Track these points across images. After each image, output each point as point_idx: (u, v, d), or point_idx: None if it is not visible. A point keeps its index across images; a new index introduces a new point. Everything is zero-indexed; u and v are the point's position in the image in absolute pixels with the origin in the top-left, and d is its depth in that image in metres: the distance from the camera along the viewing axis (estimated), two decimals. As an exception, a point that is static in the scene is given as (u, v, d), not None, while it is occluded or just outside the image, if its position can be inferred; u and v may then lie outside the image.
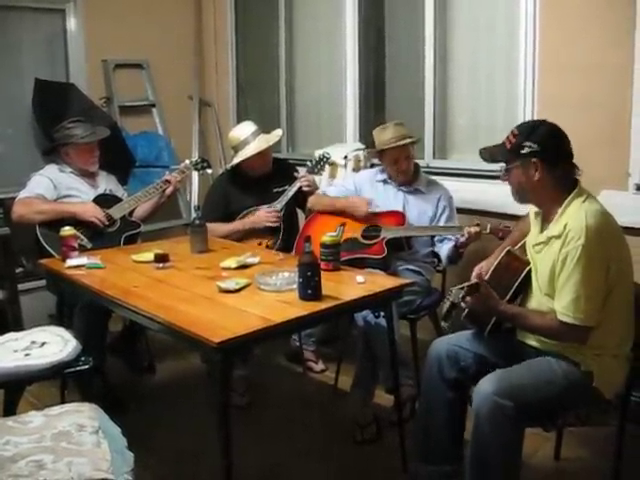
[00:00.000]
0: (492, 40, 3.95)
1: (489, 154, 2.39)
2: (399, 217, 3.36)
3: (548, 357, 2.26)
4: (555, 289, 2.20)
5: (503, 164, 2.33)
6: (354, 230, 3.44)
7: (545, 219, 2.33)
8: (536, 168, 2.20)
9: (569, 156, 2.24)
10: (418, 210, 3.42)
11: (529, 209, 2.53)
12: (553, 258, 2.20)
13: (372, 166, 4.07)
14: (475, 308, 2.30)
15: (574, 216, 2.17)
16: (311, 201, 3.69)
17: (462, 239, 3.10)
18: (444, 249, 3.32)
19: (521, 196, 2.33)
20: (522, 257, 2.42)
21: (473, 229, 3.04)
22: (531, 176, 2.22)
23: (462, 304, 2.29)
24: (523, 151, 2.21)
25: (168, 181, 3.78)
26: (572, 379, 2.18)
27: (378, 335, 2.98)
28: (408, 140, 3.36)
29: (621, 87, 3.22)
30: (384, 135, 3.38)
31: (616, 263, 2.16)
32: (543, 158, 2.20)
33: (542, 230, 2.34)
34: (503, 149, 2.29)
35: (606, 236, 2.14)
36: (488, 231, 3.00)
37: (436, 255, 3.44)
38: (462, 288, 2.27)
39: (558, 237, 2.19)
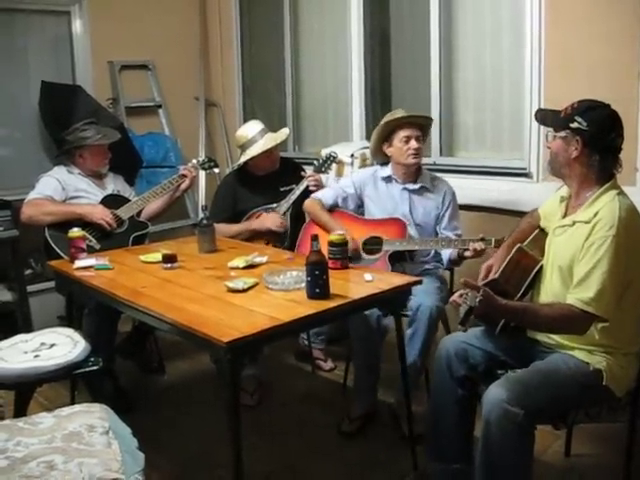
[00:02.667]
0: (498, 37, 3.94)
1: (542, 116, 2.43)
2: (399, 227, 3.25)
3: (557, 356, 2.25)
4: (573, 274, 2.18)
5: (550, 129, 2.34)
6: (354, 240, 3.31)
7: (571, 204, 2.32)
8: (576, 146, 2.20)
9: (614, 149, 2.22)
10: (424, 209, 3.34)
11: (542, 205, 2.54)
12: (577, 243, 2.17)
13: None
14: (480, 313, 2.20)
15: (607, 206, 2.15)
16: (306, 206, 3.56)
17: (467, 254, 3.01)
18: (446, 252, 3.24)
19: (554, 167, 2.33)
20: (532, 254, 2.42)
21: (478, 245, 2.96)
22: (570, 151, 2.22)
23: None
24: (572, 125, 2.21)
25: (184, 175, 3.79)
26: (582, 379, 2.16)
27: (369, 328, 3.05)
28: (425, 115, 3.35)
29: (628, 84, 3.20)
30: (394, 115, 3.32)
31: (636, 261, 2.15)
32: (585, 139, 2.19)
33: (566, 214, 2.33)
34: (557, 116, 2.30)
35: (634, 232, 2.13)
36: (493, 246, 2.89)
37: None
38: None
39: (587, 222, 2.17)
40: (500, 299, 2.16)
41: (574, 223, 2.24)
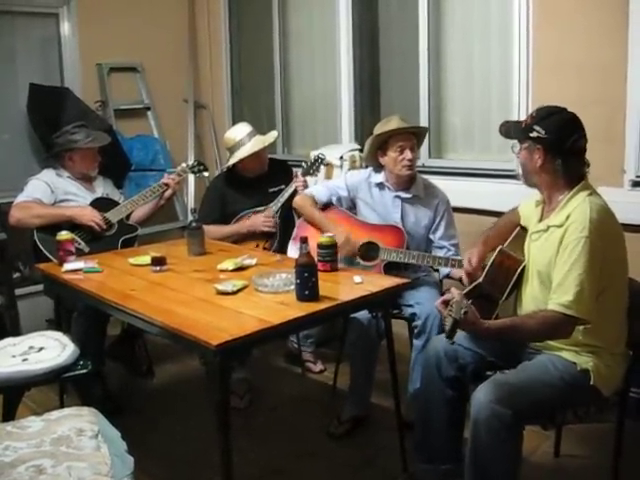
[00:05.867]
0: (486, 39, 3.95)
1: (506, 129, 2.43)
2: (398, 237, 3.21)
3: (544, 357, 2.26)
4: (551, 278, 2.20)
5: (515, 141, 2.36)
6: (353, 242, 3.27)
7: (546, 208, 2.34)
8: (539, 154, 2.24)
9: (577, 151, 2.24)
10: (415, 218, 3.30)
11: (520, 204, 2.56)
12: (553, 247, 2.20)
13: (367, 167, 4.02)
14: (465, 327, 2.17)
15: (578, 208, 2.17)
16: (297, 202, 3.53)
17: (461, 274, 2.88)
18: (444, 268, 3.21)
19: (525, 177, 2.36)
20: (515, 255, 2.43)
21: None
22: (534, 160, 2.26)
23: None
24: (531, 134, 2.24)
25: (167, 184, 3.79)
26: (569, 379, 2.17)
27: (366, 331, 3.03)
28: (419, 125, 3.29)
29: (615, 84, 3.22)
30: (389, 125, 3.23)
31: (613, 261, 2.16)
32: (546, 147, 2.22)
33: (542, 219, 2.35)
34: (518, 127, 2.33)
35: (607, 232, 2.15)
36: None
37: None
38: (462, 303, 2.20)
39: (559, 226, 2.20)
40: (483, 322, 2.17)
41: (548, 228, 2.27)
